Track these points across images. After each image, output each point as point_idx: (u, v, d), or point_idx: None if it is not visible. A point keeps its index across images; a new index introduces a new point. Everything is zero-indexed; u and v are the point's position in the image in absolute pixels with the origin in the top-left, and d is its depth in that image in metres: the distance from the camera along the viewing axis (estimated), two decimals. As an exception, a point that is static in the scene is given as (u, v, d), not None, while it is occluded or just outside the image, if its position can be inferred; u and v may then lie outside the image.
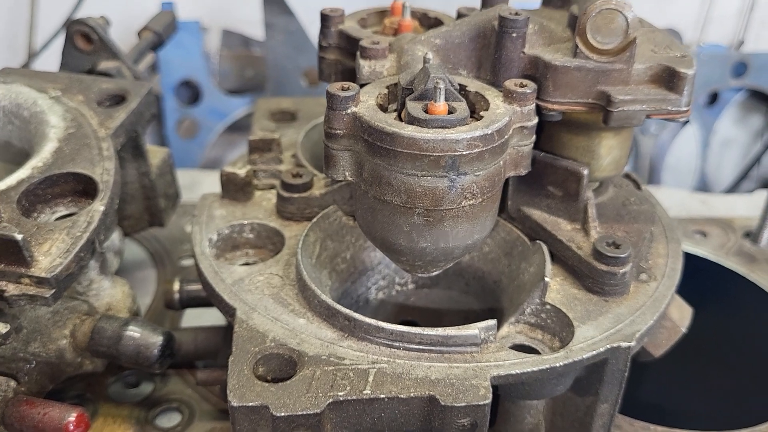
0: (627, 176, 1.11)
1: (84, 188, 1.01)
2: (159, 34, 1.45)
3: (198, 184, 1.58)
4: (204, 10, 2.12)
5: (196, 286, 1.13)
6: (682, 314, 1.02)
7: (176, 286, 1.13)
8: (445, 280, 1.08)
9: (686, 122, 2.26)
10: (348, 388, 0.77)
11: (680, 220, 1.51)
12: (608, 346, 0.84)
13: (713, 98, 2.29)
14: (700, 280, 1.38)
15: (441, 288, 1.08)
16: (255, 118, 1.32)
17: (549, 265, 0.91)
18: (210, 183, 1.62)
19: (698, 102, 2.26)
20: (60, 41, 1.36)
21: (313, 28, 2.08)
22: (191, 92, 2.18)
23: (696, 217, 1.56)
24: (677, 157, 2.36)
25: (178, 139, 2.18)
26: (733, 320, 1.36)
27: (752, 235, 1.47)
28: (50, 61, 1.91)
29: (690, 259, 1.42)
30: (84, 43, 1.31)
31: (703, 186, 2.39)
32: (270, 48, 2.09)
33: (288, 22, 2.07)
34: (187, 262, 1.40)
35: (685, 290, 1.04)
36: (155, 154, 1.26)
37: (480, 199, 0.81)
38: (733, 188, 2.37)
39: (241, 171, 1.06)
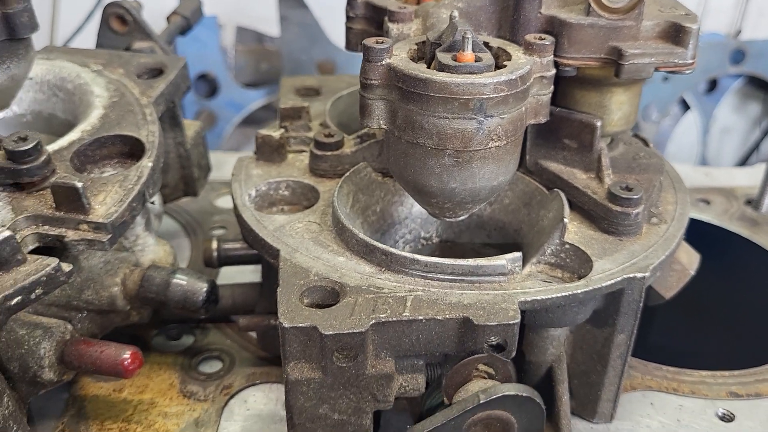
0: (635, 136, 1.18)
1: (130, 150, 1.08)
2: (187, 18, 1.53)
3: (223, 164, 1.65)
4: (220, 7, 2.20)
5: (233, 245, 1.20)
6: (691, 259, 1.09)
7: (214, 244, 1.20)
8: (467, 233, 1.15)
9: (714, 85, 2.30)
10: (388, 311, 0.84)
11: (684, 189, 1.58)
12: (624, 276, 0.91)
13: (712, 85, 2.37)
14: (706, 243, 1.45)
15: (464, 240, 1.15)
16: (281, 93, 1.39)
17: (567, 208, 0.98)
18: (234, 163, 1.69)
19: (698, 89, 2.34)
20: (83, 35, 1.43)
21: (326, 21, 2.17)
22: (209, 85, 2.26)
23: (699, 186, 1.63)
24: (678, 144, 2.44)
25: (197, 130, 2.25)
26: (735, 277, 1.43)
27: (753, 202, 1.55)
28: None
29: (695, 224, 1.50)
30: (119, 24, 1.39)
31: (704, 171, 2.46)
32: (285, 41, 2.17)
33: (302, 15, 2.15)
34: (217, 232, 1.48)
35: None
36: (189, 126, 1.33)
37: (505, 141, 0.88)
38: (734, 175, 2.44)
39: (276, 133, 1.13)
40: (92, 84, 1.19)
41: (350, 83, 1.42)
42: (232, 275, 1.32)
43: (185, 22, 1.53)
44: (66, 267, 0.91)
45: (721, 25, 2.33)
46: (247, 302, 1.18)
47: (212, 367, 1.14)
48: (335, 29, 2.15)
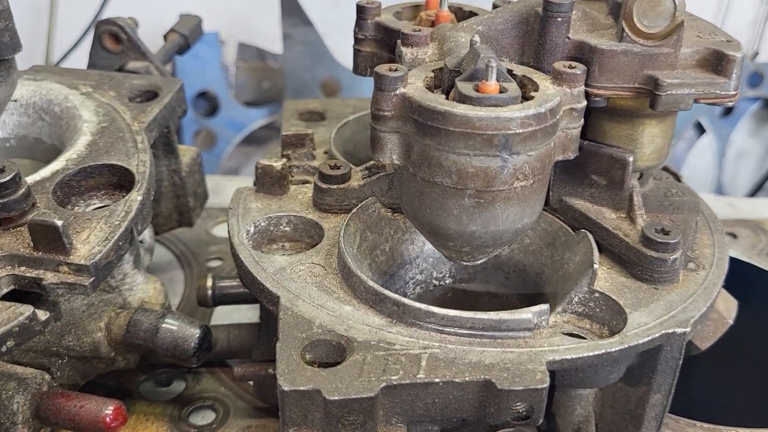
0: (665, 169, 1.09)
1: (119, 181, 1.00)
2: (185, 36, 1.45)
3: (221, 189, 1.56)
4: (221, 23, 2.13)
5: (229, 283, 1.11)
6: (728, 306, 1.00)
7: (209, 282, 1.11)
8: (483, 274, 1.06)
9: (730, 108, 2.24)
10: (401, 372, 0.75)
11: (709, 222, 1.50)
12: (663, 331, 0.82)
13: (728, 109, 2.29)
14: (734, 280, 1.37)
15: (479, 282, 1.07)
16: (284, 117, 1.31)
17: (596, 252, 0.90)
18: (232, 188, 1.60)
19: (714, 112, 2.27)
20: (78, 53, 1.36)
21: (330, 40, 2.09)
22: (209, 104, 2.19)
23: (725, 219, 1.54)
24: (693, 167, 2.36)
25: (196, 150, 2.17)
26: (765, 318, 1.34)
27: (783, 237, 1.46)
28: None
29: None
30: (113, 42, 1.31)
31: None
32: (288, 59, 2.10)
33: (306, 33, 2.07)
34: (214, 263, 1.39)
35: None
36: (185, 152, 1.25)
37: (531, 181, 0.80)
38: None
39: (278, 163, 1.04)
40: (81, 108, 1.11)
41: (357, 107, 1.34)
42: (228, 312, 1.23)
43: (184, 41, 1.44)
44: (42, 315, 0.82)
45: (738, 46, 2.25)
46: (244, 345, 1.09)
47: (205, 418, 1.05)
48: (340, 48, 2.08)
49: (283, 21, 2.05)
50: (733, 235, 1.48)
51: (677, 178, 1.07)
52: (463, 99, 0.77)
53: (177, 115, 1.16)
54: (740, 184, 2.44)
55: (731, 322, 0.98)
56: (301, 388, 0.72)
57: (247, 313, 1.21)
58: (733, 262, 1.40)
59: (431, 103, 0.77)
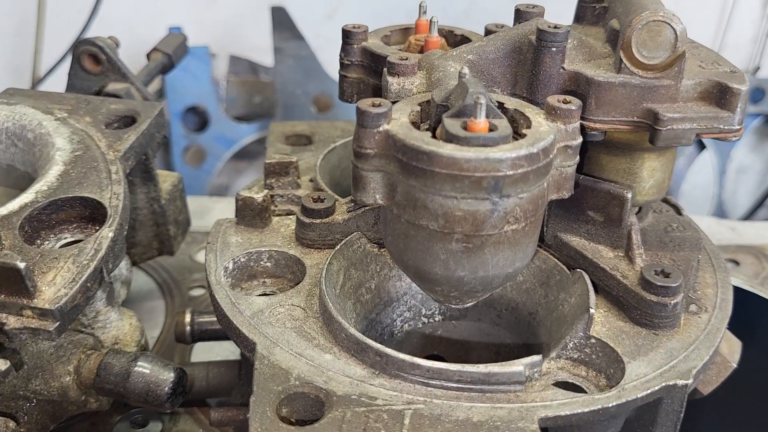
0: (666, 201, 1.05)
1: (91, 214, 0.95)
2: (169, 55, 1.40)
3: (207, 211, 1.51)
4: (212, 36, 2.08)
5: (208, 318, 1.06)
6: (732, 348, 0.95)
7: (187, 318, 1.06)
8: (474, 312, 1.01)
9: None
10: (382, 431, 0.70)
11: (710, 248, 1.45)
12: (663, 384, 0.77)
13: (730, 125, 2.24)
14: (736, 310, 1.32)
15: (470, 320, 1.02)
16: (269, 141, 1.26)
17: (593, 295, 0.85)
18: (219, 210, 1.57)
19: (715, 128, 2.22)
20: (65, 67, 1.32)
21: (322, 54, 2.05)
22: (198, 118, 2.14)
23: (726, 245, 1.49)
24: (693, 184, 2.32)
25: (185, 166, 2.12)
26: (770, 352, 1.29)
27: (787, 264, 1.41)
28: (55, 86, 1.86)
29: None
30: (92, 63, 1.26)
31: (720, 214, 2.33)
32: (279, 73, 2.05)
33: (298, 47, 2.03)
34: (197, 292, 1.34)
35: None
36: (165, 178, 1.20)
37: (523, 224, 0.75)
38: (750, 216, 2.31)
39: (258, 195, 0.99)
40: (54, 134, 1.06)
41: (345, 130, 1.29)
42: (209, 346, 1.18)
43: (167, 60, 1.40)
44: (3, 365, 0.77)
45: (738, 61, 2.20)
46: (224, 384, 1.04)
47: (180, 463, 1.00)
48: (333, 62, 2.03)
49: (274, 35, 2.00)
50: (736, 262, 1.43)
51: (678, 210, 1.03)
52: (450, 138, 0.72)
53: (156, 141, 1.11)
54: (741, 200, 2.39)
55: (735, 365, 0.93)
56: (275, 450, 0.67)
57: (230, 347, 1.16)
58: (736, 291, 1.36)
59: (416, 143, 0.72)
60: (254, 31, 2.09)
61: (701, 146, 2.26)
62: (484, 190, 0.71)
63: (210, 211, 1.53)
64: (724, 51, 2.20)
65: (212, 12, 2.07)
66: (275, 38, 2.00)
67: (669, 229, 0.97)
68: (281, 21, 1.99)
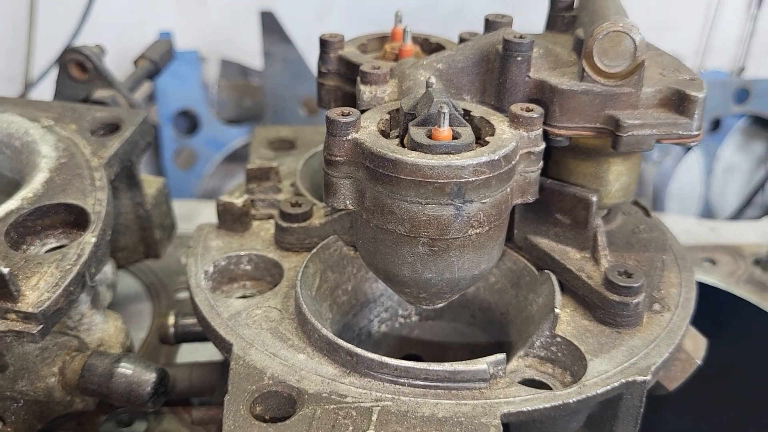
0: (635, 203, 1.07)
1: (75, 219, 0.98)
2: (155, 62, 1.43)
3: (195, 215, 1.54)
4: (202, 40, 2.11)
5: (192, 320, 1.09)
6: (697, 345, 0.98)
7: (171, 320, 1.08)
8: (449, 312, 1.04)
9: (689, 148, 2.24)
10: (351, 427, 0.73)
11: (688, 247, 1.47)
12: (623, 380, 0.80)
13: (715, 125, 2.27)
14: (710, 309, 1.34)
15: (446, 320, 1.05)
16: (253, 146, 1.29)
17: (559, 296, 0.88)
18: (207, 213, 1.59)
19: (700, 128, 2.25)
20: (57, 72, 1.35)
21: (311, 57, 2.07)
22: (189, 122, 2.17)
23: (704, 244, 1.52)
24: (681, 184, 2.34)
25: (176, 170, 2.15)
26: (745, 350, 1.32)
27: (762, 263, 1.44)
28: (47, 91, 1.89)
29: (699, 288, 1.38)
30: (78, 71, 1.29)
31: (708, 213, 2.36)
32: (268, 76, 2.08)
33: (287, 51, 2.05)
34: (184, 294, 1.36)
35: (694, 319, 1.00)
36: (150, 183, 1.22)
37: (487, 228, 0.78)
38: (738, 215, 2.34)
39: (239, 200, 1.02)
40: (40, 142, 1.09)
41: (328, 135, 1.31)
42: (194, 348, 1.21)
43: (153, 67, 1.43)
44: (-13, 366, 0.80)
45: (724, 62, 2.24)
46: (207, 384, 1.07)
47: (164, 461, 1.03)
48: (321, 66, 2.06)
49: (263, 38, 2.03)
50: (712, 261, 1.46)
51: (647, 212, 1.05)
52: (415, 146, 0.75)
53: (140, 148, 1.14)
54: (729, 200, 2.42)
55: (699, 362, 0.96)
56: (246, 446, 0.70)
57: (214, 349, 1.18)
58: (710, 290, 1.39)
59: (382, 150, 0.75)
60: (244, 35, 2.12)
61: (688, 147, 2.29)
62: (447, 195, 0.74)
63: (198, 215, 1.56)
64: (710, 52, 2.23)
65: (202, 16, 2.10)
66: (264, 42, 2.03)
67: (636, 231, 0.99)
68: (270, 25, 2.02)
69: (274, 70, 2.08)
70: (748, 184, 2.40)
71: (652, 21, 2.12)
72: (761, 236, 1.56)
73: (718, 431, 1.22)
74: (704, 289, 1.36)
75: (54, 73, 1.97)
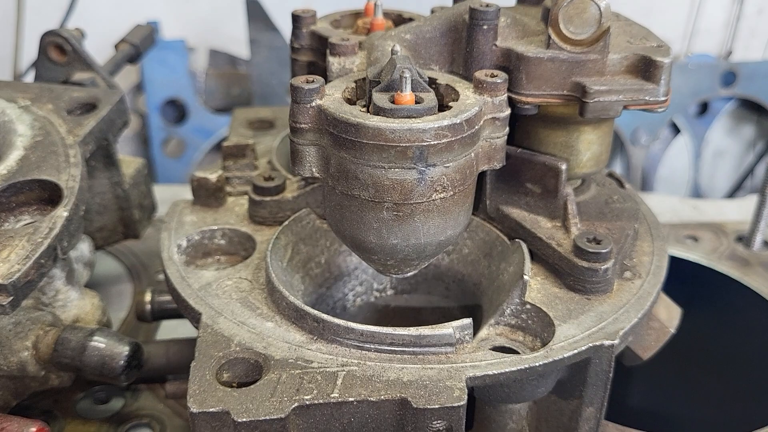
0: (610, 175, 1.08)
1: (50, 196, 0.98)
2: (136, 46, 1.43)
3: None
4: (190, 30, 2.11)
5: (168, 297, 1.09)
6: (671, 314, 0.98)
7: (148, 297, 1.09)
8: (424, 285, 1.04)
9: (705, 107, 2.23)
10: (315, 391, 0.73)
11: (672, 225, 1.48)
12: (590, 344, 0.80)
13: (703, 108, 2.27)
14: (693, 284, 1.35)
15: (421, 293, 1.05)
16: (232, 126, 1.29)
17: (528, 263, 0.88)
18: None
19: (688, 112, 2.25)
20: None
21: (298, 45, 2.07)
22: (177, 111, 2.17)
23: (687, 222, 1.52)
24: (670, 168, 2.34)
25: (165, 158, 2.16)
26: (727, 325, 1.32)
27: (745, 239, 1.44)
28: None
29: (682, 264, 1.39)
30: (58, 54, 1.29)
31: (698, 197, 2.36)
32: (255, 64, 2.08)
33: (273, 39, 2.06)
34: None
35: (677, 295, 1.01)
36: (129, 164, 1.23)
37: (451, 192, 0.78)
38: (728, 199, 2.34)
39: (212, 176, 1.03)
40: (17, 121, 1.09)
41: (307, 115, 1.31)
42: (174, 327, 1.21)
43: (134, 50, 1.43)
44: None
45: (711, 46, 2.24)
46: (183, 361, 1.07)
47: (140, 436, 1.03)
48: (307, 53, 2.06)
49: (249, 27, 2.03)
50: (695, 238, 1.46)
51: (621, 184, 1.06)
52: (378, 110, 0.75)
53: (116, 127, 1.14)
54: (719, 184, 2.42)
55: (673, 331, 0.96)
56: (211, 409, 0.71)
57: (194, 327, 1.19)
58: (693, 266, 1.39)
59: (344, 116, 0.75)
60: (230, 24, 2.12)
61: (677, 130, 2.29)
62: (409, 159, 0.74)
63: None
64: (697, 36, 2.23)
65: (189, 5, 2.10)
66: (250, 30, 2.04)
67: (609, 201, 1.00)
68: (256, 13, 2.03)
69: (261, 57, 2.08)
70: (738, 168, 2.40)
71: (639, 5, 2.12)
72: (743, 214, 1.56)
73: (697, 405, 1.22)
74: (686, 266, 1.37)
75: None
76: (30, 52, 2.01)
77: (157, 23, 1.95)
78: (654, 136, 2.23)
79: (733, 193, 2.35)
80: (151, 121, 2.12)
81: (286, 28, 2.05)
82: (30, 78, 2.01)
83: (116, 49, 1.44)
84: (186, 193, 1.67)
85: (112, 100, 1.14)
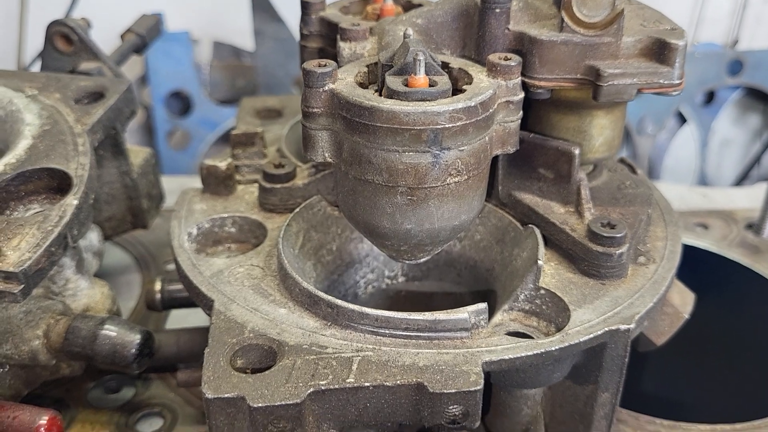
0: (622, 161, 1.07)
1: (59, 185, 0.98)
2: (142, 36, 1.42)
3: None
4: (194, 22, 2.10)
5: (178, 286, 1.09)
6: (684, 300, 0.97)
7: (158, 285, 1.09)
8: (436, 271, 1.04)
9: (711, 96, 2.22)
10: (330, 376, 0.72)
11: (681, 213, 1.47)
12: (606, 329, 0.80)
13: (710, 97, 2.26)
14: (703, 272, 1.34)
15: (432, 279, 1.04)
16: (239, 116, 1.29)
17: (542, 248, 0.87)
18: (198, 189, 1.58)
19: (695, 101, 2.24)
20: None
21: (303, 35, 2.06)
22: (182, 103, 2.16)
23: (697, 210, 1.51)
24: (676, 157, 2.33)
25: (170, 150, 2.15)
26: (737, 312, 1.31)
27: (755, 227, 1.43)
28: (37, 72, 1.89)
29: (692, 252, 1.38)
30: (64, 44, 1.28)
31: (704, 186, 2.35)
32: (260, 56, 2.07)
33: (278, 30, 2.05)
34: (173, 266, 1.36)
35: (688, 282, 1.00)
36: (137, 154, 1.22)
37: (465, 176, 0.77)
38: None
39: (222, 164, 1.02)
40: (24, 111, 1.08)
41: (315, 104, 1.31)
42: (184, 316, 1.21)
43: (140, 41, 1.42)
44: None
45: (717, 35, 2.22)
46: (194, 350, 1.07)
47: (152, 425, 1.03)
48: (312, 44, 2.05)
49: (254, 18, 2.02)
50: (705, 226, 1.45)
51: (633, 169, 1.05)
52: (391, 94, 0.75)
53: (124, 116, 1.13)
54: (725, 173, 2.41)
55: (687, 316, 0.96)
56: (226, 395, 0.70)
57: (204, 316, 1.19)
58: (703, 253, 1.39)
59: (358, 99, 0.74)
60: (235, 15, 2.11)
61: (683, 120, 2.28)
62: (424, 143, 0.74)
63: (189, 190, 1.55)
64: (703, 25, 2.21)
65: (193, -3, 2.09)
66: (255, 21, 2.03)
67: (622, 187, 0.99)
68: (260, 4, 2.02)
69: (266, 49, 2.07)
70: (745, 157, 2.39)
71: (644, -7, 2.11)
72: (753, 201, 1.55)
73: (709, 392, 1.22)
74: (697, 253, 1.36)
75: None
76: (34, 44, 2.00)
77: (161, 14, 1.94)
78: (660, 126, 2.22)
79: (740, 182, 2.34)
80: (156, 113, 2.11)
81: (291, 19, 2.04)
82: (34, 70, 2.01)
83: (122, 39, 1.43)
84: (192, 184, 1.68)
85: (120, 88, 1.13)
